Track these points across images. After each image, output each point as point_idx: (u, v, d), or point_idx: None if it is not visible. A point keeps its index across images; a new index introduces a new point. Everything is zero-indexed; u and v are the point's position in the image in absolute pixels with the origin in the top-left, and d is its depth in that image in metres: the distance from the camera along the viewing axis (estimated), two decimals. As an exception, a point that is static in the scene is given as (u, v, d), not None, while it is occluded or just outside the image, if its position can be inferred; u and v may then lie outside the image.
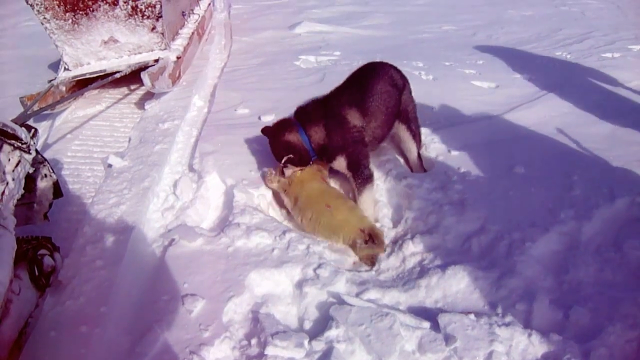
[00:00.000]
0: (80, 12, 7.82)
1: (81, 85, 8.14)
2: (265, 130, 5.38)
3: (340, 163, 5.16)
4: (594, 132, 5.84)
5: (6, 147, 3.78)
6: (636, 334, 3.36)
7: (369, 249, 4.65)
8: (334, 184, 5.55)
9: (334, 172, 5.47)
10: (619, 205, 4.51)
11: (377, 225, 4.96)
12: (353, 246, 4.72)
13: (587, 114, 6.43)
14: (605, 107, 6.66)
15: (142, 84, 7.51)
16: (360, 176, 5.07)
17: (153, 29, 8.13)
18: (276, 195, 5.44)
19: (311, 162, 5.31)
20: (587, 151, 5.41)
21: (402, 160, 5.73)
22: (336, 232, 4.80)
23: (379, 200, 5.22)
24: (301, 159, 5.19)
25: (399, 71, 5.62)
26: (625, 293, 3.67)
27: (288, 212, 5.31)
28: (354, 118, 5.08)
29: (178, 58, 8.41)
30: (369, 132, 5.17)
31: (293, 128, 5.18)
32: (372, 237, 4.67)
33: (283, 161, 5.15)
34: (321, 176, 5.35)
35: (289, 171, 5.21)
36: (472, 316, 3.57)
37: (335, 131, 5.08)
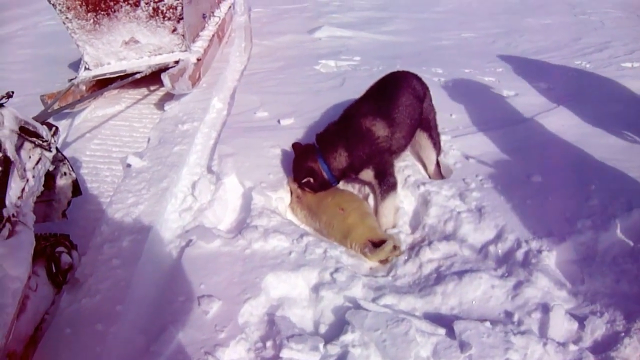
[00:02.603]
0: (102, 13, 7.86)
1: (101, 85, 8.19)
2: (295, 146, 5.44)
3: (368, 174, 5.15)
4: (612, 142, 5.81)
5: (27, 145, 3.81)
6: (652, 346, 3.35)
7: (377, 255, 4.67)
8: (351, 187, 5.56)
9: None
10: (636, 216, 4.46)
11: (394, 231, 4.97)
12: (363, 254, 4.72)
13: (606, 124, 6.38)
14: (624, 117, 6.61)
15: (162, 85, 7.55)
16: (386, 184, 5.06)
17: (174, 30, 8.16)
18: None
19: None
20: (605, 161, 5.37)
21: (420, 167, 5.73)
22: (345, 236, 4.81)
23: (400, 207, 5.21)
24: (321, 186, 5.22)
25: (420, 80, 5.61)
26: (641, 305, 3.66)
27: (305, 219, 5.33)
28: (380, 129, 5.05)
29: (198, 60, 8.42)
30: (394, 141, 5.16)
31: (314, 157, 5.18)
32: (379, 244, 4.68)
33: (303, 182, 5.19)
34: None
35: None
36: (487, 324, 3.57)
37: (360, 147, 5.06)
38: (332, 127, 5.28)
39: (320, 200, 5.14)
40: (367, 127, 5.05)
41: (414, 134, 5.48)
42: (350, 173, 5.23)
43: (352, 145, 5.07)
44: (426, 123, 5.57)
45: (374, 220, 5.01)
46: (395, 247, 4.64)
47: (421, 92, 5.50)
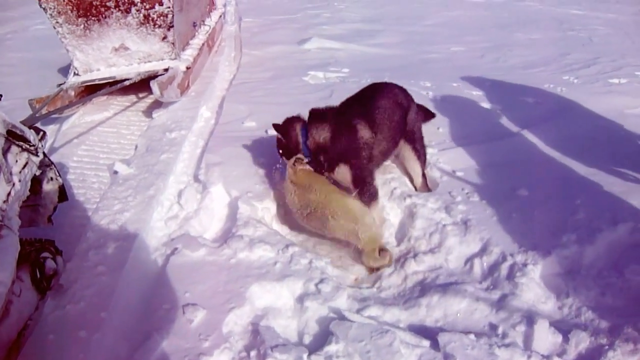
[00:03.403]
0: (93, 18, 7.86)
1: (90, 90, 8.18)
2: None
3: (344, 174, 5.12)
4: (597, 157, 5.83)
5: (14, 149, 3.80)
6: (635, 359, 3.36)
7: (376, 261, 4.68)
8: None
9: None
10: (621, 230, 4.50)
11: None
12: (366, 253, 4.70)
13: (592, 139, 6.43)
14: (611, 132, 6.68)
15: (150, 93, 7.54)
16: (367, 192, 5.06)
17: (164, 38, 8.17)
18: (281, 209, 5.46)
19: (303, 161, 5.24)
20: (590, 176, 5.42)
21: (406, 179, 5.74)
22: (354, 221, 4.71)
23: (386, 219, 5.22)
24: (287, 150, 5.24)
25: (404, 91, 5.66)
26: (625, 318, 3.67)
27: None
28: (363, 130, 5.09)
29: (188, 68, 8.45)
30: (374, 147, 5.18)
31: (297, 122, 5.26)
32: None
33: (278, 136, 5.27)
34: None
35: (301, 167, 5.20)
36: (472, 336, 3.58)
37: (341, 138, 5.08)
38: (326, 109, 5.31)
39: (322, 186, 5.09)
40: (354, 125, 5.10)
41: (396, 144, 5.51)
42: (323, 160, 5.18)
43: (335, 132, 5.10)
44: (410, 135, 5.59)
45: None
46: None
47: (405, 103, 5.53)
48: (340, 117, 5.20)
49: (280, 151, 5.32)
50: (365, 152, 5.12)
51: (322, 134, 5.11)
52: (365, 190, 5.07)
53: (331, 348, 3.49)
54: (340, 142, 5.08)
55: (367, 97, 5.42)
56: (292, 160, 5.15)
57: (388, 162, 5.80)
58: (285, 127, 5.25)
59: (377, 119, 5.20)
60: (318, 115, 5.24)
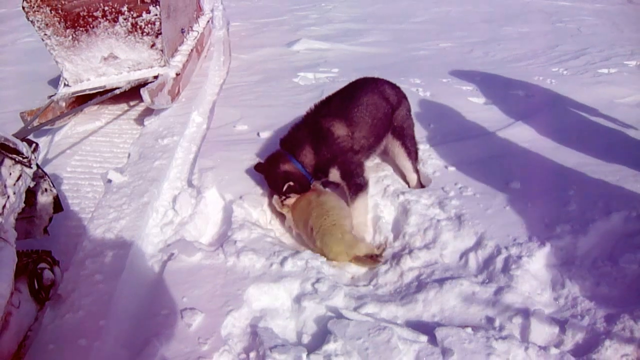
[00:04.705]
0: (81, 29, 7.87)
1: (81, 101, 8.17)
2: (259, 167, 5.45)
3: (335, 174, 5.23)
4: (589, 148, 5.86)
5: (7, 161, 3.80)
6: (632, 347, 3.37)
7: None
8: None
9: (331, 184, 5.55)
10: (614, 220, 4.52)
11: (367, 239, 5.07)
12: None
13: (583, 130, 6.46)
14: (601, 122, 6.70)
15: (141, 100, 7.52)
16: (354, 184, 5.13)
17: (152, 45, 8.17)
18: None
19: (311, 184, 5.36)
20: (582, 166, 5.43)
21: (399, 177, 5.76)
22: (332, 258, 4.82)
23: (381, 217, 5.25)
24: (301, 186, 5.24)
25: (394, 87, 5.70)
26: (621, 307, 3.68)
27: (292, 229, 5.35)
28: (338, 128, 5.16)
29: (177, 74, 8.45)
30: (356, 141, 5.22)
31: (285, 158, 5.25)
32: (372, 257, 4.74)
33: (285, 189, 5.18)
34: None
35: (290, 200, 5.27)
36: (469, 330, 3.58)
37: (323, 146, 5.16)
38: (295, 129, 5.38)
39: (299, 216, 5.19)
40: (327, 128, 5.16)
41: (381, 138, 5.56)
42: (319, 173, 5.30)
43: (316, 145, 5.18)
44: (399, 131, 5.62)
45: (349, 233, 4.96)
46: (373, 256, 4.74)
47: (393, 98, 5.58)
48: (313, 125, 5.27)
49: (293, 193, 5.26)
50: (346, 147, 5.18)
51: (309, 156, 5.22)
52: (352, 182, 5.14)
53: (329, 347, 3.50)
54: (324, 150, 5.17)
55: (346, 94, 5.49)
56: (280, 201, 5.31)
57: (379, 161, 5.83)
58: (286, 172, 5.21)
59: (353, 115, 5.27)
60: (293, 141, 5.31)
